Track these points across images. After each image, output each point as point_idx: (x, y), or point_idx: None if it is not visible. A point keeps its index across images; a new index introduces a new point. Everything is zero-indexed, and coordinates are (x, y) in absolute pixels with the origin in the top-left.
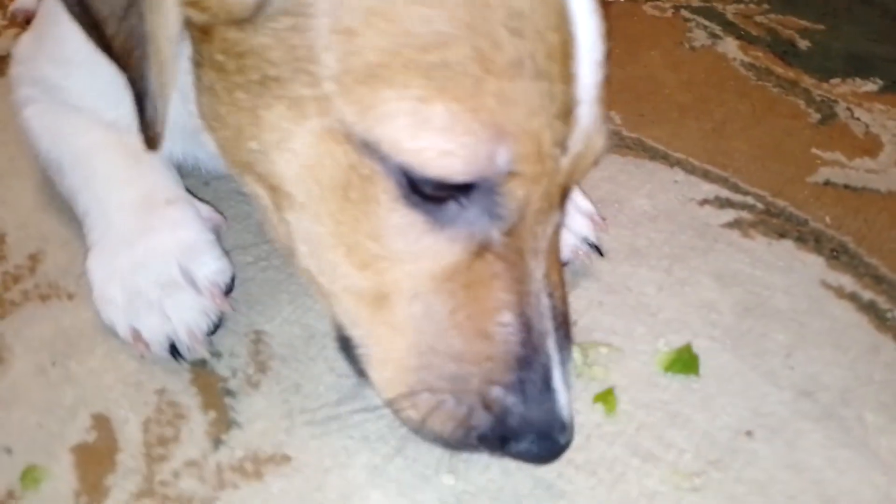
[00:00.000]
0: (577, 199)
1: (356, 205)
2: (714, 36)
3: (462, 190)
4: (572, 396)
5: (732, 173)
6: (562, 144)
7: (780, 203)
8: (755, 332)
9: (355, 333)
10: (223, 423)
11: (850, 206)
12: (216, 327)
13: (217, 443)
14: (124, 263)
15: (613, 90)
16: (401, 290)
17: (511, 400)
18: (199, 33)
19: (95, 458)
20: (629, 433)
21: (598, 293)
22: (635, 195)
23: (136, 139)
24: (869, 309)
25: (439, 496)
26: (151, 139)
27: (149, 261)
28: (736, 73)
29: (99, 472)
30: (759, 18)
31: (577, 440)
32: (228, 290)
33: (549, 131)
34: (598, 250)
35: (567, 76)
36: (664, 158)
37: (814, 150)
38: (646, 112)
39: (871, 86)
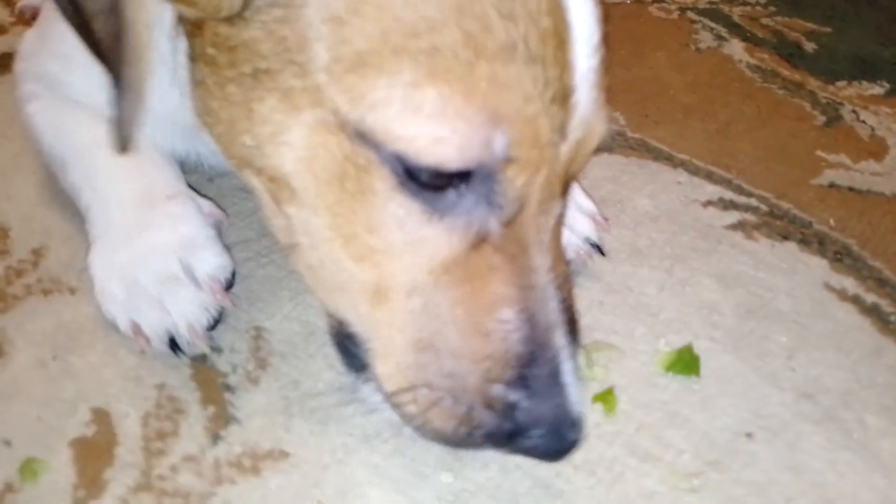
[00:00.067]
0: (579, 199)
1: (353, 196)
2: (720, 38)
3: (459, 177)
4: (583, 391)
5: (736, 175)
6: (560, 131)
7: (784, 205)
8: (757, 333)
9: (358, 328)
10: (222, 419)
11: (855, 209)
12: (216, 323)
13: (216, 438)
14: (125, 258)
15: (618, 91)
16: (399, 283)
17: (516, 395)
18: (192, 28)
19: (94, 452)
20: (628, 433)
21: (598, 293)
22: (638, 195)
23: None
24: (872, 312)
25: (437, 494)
26: (123, 140)
27: (149, 256)
28: (741, 75)
29: (97, 466)
30: (765, 20)
31: None
32: (229, 286)
33: (545, 117)
34: (599, 250)
35: (562, 61)
36: (668, 159)
37: (819, 153)
38: (650, 113)
39: (877, 89)
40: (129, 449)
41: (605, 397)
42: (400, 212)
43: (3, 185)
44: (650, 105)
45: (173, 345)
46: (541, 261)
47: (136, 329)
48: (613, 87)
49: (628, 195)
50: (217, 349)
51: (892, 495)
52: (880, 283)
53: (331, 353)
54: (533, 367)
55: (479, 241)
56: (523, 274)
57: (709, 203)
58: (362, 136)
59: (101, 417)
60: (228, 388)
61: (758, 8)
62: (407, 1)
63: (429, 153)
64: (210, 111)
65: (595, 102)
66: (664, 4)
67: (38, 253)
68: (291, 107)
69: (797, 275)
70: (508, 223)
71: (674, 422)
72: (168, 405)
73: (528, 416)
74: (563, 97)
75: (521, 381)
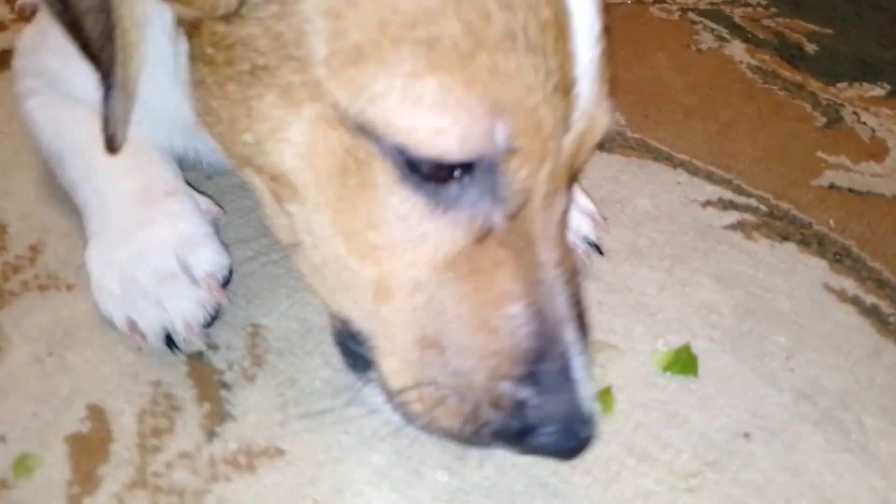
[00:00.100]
0: (579, 198)
1: (354, 191)
2: (721, 39)
3: (462, 170)
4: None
5: (736, 175)
6: (563, 122)
7: (784, 206)
8: (756, 333)
9: (362, 326)
10: (218, 416)
11: (855, 210)
12: (213, 320)
13: (211, 435)
14: (122, 255)
15: (619, 91)
16: (401, 280)
17: (525, 392)
18: (190, 28)
19: (89, 448)
20: (625, 433)
21: (597, 292)
22: (637, 195)
23: (136, 131)
24: (871, 313)
25: (433, 493)
26: (111, 139)
27: (147, 252)
28: (742, 76)
29: (92, 462)
30: (766, 22)
31: None
32: (226, 283)
33: (548, 107)
34: (598, 249)
35: (562, 51)
36: (668, 159)
37: (819, 154)
38: (651, 113)
39: (878, 90)
40: (124, 445)
41: (603, 397)
42: (402, 206)
43: (2, 182)
44: (651, 105)
45: (170, 342)
46: (548, 255)
47: (133, 326)
48: (614, 86)
49: (628, 195)
50: (213, 346)
51: (890, 496)
52: (880, 284)
53: (328, 351)
54: (542, 363)
55: (484, 235)
56: (530, 269)
57: (708, 203)
58: (363, 130)
59: (97, 414)
60: (224, 385)
61: (759, 9)
62: None
63: (430, 145)
64: (210, 111)
65: (598, 94)
66: (665, 5)
67: (35, 249)
68: (291, 102)
69: (796, 275)
70: (513, 217)
71: (672, 422)
72: (164, 402)
73: (538, 413)
74: (566, 88)
75: (531, 377)
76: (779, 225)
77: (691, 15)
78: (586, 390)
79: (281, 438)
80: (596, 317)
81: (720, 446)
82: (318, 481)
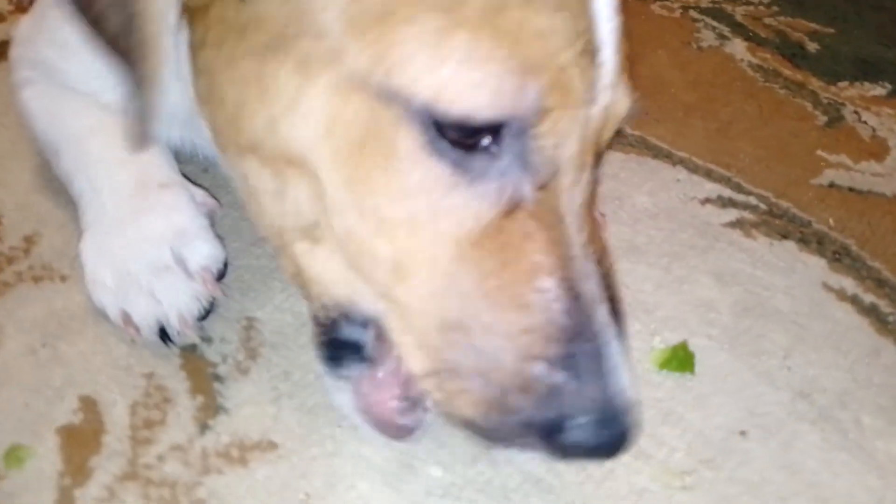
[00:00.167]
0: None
1: (374, 162)
2: (722, 37)
3: (491, 132)
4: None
5: (736, 173)
6: (590, 89)
7: (784, 204)
8: (753, 332)
9: (377, 307)
10: (210, 409)
11: (855, 209)
12: (207, 313)
13: (203, 428)
14: (116, 246)
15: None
16: (420, 259)
17: (559, 377)
18: (196, 14)
19: (81, 440)
20: None
21: None
22: (636, 192)
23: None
24: (870, 312)
25: (426, 487)
26: (141, 135)
27: (141, 244)
28: (743, 74)
29: (84, 454)
30: (768, 20)
31: None
32: (221, 276)
33: (576, 69)
34: None
35: (587, 14)
36: (667, 157)
37: (819, 153)
38: (650, 110)
39: (879, 90)
40: (116, 437)
41: None
42: (426, 176)
43: None
44: (650, 103)
45: (163, 335)
46: (575, 232)
47: (127, 318)
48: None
49: (627, 192)
50: (207, 339)
51: (887, 496)
52: (879, 283)
53: None
54: (577, 344)
55: (513, 207)
56: (561, 244)
57: (707, 201)
58: (387, 93)
59: (89, 405)
60: (218, 377)
61: (761, 8)
62: None
63: (461, 101)
64: (215, 96)
65: (620, 67)
66: (666, 3)
67: (30, 240)
68: (309, 73)
69: (795, 274)
70: (543, 188)
71: (667, 419)
72: (156, 394)
73: (574, 400)
74: (591, 52)
75: (565, 359)
76: (778, 223)
77: (692, 13)
78: (625, 378)
79: (274, 432)
80: None
81: (716, 444)
82: (311, 475)
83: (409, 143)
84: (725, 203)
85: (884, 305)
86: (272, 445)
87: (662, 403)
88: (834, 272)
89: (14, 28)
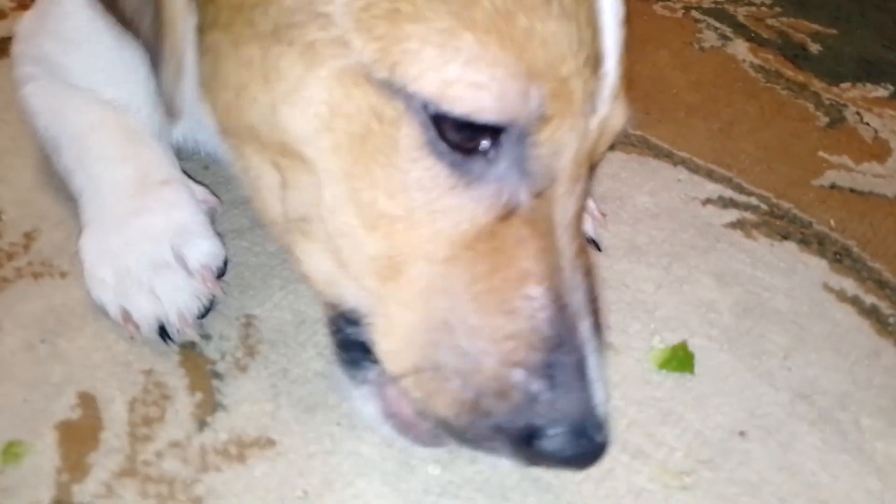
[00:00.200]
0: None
1: (373, 156)
2: (724, 37)
3: (490, 136)
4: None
5: (737, 174)
6: (591, 99)
7: (785, 205)
8: (753, 332)
9: (362, 302)
10: (209, 406)
11: (856, 210)
12: (207, 311)
13: (202, 425)
14: (116, 243)
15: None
16: (412, 257)
17: (537, 386)
18: None
19: (79, 436)
20: (620, 429)
21: None
22: (637, 192)
23: (133, 118)
24: (871, 313)
25: (424, 486)
26: (169, 105)
27: (141, 241)
28: (745, 75)
29: (82, 450)
30: (770, 21)
31: None
32: (221, 274)
33: (579, 79)
34: (596, 245)
35: (593, 25)
36: (668, 157)
37: (821, 154)
38: (652, 111)
39: (881, 91)
40: (114, 434)
41: None
42: (424, 175)
43: None
44: (652, 103)
45: (163, 332)
46: (567, 243)
47: (126, 315)
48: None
49: (628, 192)
50: (206, 336)
51: (886, 498)
52: (880, 284)
53: (321, 343)
54: (558, 354)
55: (508, 212)
56: (551, 253)
57: (708, 201)
58: (391, 87)
59: (88, 401)
60: (216, 375)
61: (763, 8)
62: None
63: (464, 100)
64: (219, 77)
65: (621, 80)
66: (669, 3)
67: (30, 236)
68: (313, 61)
69: (796, 275)
70: (538, 196)
71: (667, 419)
72: (155, 391)
73: (548, 411)
74: (595, 63)
75: (545, 368)
76: (779, 224)
77: (695, 13)
78: (602, 392)
79: (272, 429)
80: None
81: (715, 445)
82: (309, 472)
83: (409, 140)
84: (726, 203)
85: (885, 307)
86: (270, 443)
87: (662, 403)
88: (835, 273)
89: (16, 24)
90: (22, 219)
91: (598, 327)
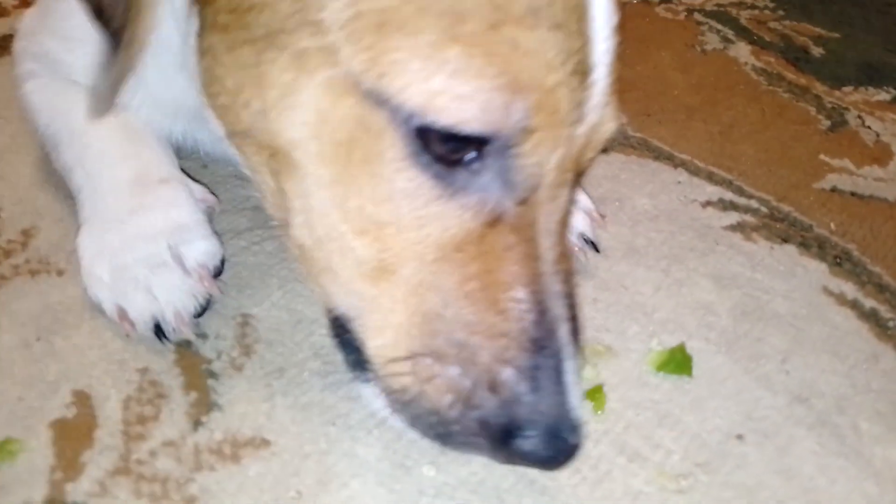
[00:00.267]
0: (576, 195)
1: (360, 165)
2: (726, 40)
3: (474, 148)
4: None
5: (737, 176)
6: (578, 108)
7: (785, 208)
8: (752, 335)
9: (350, 305)
10: (204, 405)
11: (856, 214)
12: (203, 310)
13: (196, 424)
14: (113, 241)
15: (621, 89)
16: (403, 258)
17: (522, 387)
18: None
19: (73, 434)
20: (616, 431)
21: (592, 290)
22: (637, 194)
23: (133, 117)
24: (870, 317)
25: (419, 487)
26: (103, 102)
27: (138, 239)
28: (747, 78)
29: (76, 448)
30: (772, 24)
31: None
32: (218, 273)
33: (566, 89)
34: (594, 247)
35: (583, 34)
36: (668, 159)
37: (822, 157)
38: (653, 112)
39: (883, 95)
40: (108, 432)
41: (595, 395)
42: (410, 185)
43: None
44: (653, 104)
45: (158, 330)
46: (547, 250)
47: (122, 313)
48: (617, 85)
49: (627, 193)
50: (203, 335)
51: (884, 502)
52: (880, 288)
53: (317, 343)
54: (541, 357)
55: (495, 219)
56: (534, 259)
57: (708, 203)
58: (377, 98)
59: (83, 400)
60: (212, 374)
61: (766, 12)
62: None
63: (449, 112)
64: (216, 79)
65: (611, 88)
66: (671, 5)
67: (27, 233)
68: (303, 68)
69: (795, 278)
70: (522, 203)
71: (664, 422)
72: (150, 389)
73: (528, 413)
74: (584, 72)
75: (531, 370)
76: (779, 227)
77: (697, 16)
78: (576, 396)
79: (267, 429)
80: (590, 315)
81: (712, 448)
82: (304, 473)
83: (394, 151)
84: (726, 206)
85: (884, 311)
86: (265, 443)
87: (659, 406)
88: (834, 276)
89: (18, 22)
90: (20, 216)
91: (575, 332)
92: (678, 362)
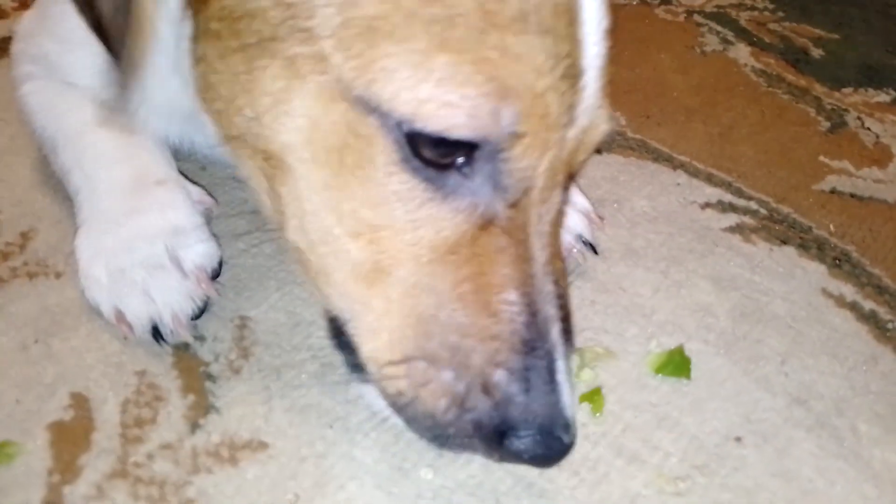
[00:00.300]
0: (575, 196)
1: (352, 169)
2: (726, 41)
3: (464, 153)
4: (574, 394)
5: (737, 178)
6: (569, 112)
7: (784, 209)
8: (751, 337)
9: (345, 306)
10: (202, 408)
11: (856, 215)
12: (201, 312)
13: (194, 427)
14: (111, 243)
15: (620, 91)
16: (398, 260)
17: (514, 388)
18: (197, 4)
19: (71, 437)
20: (615, 434)
21: (591, 292)
22: (635, 196)
23: (130, 119)
24: (869, 319)
25: (417, 490)
26: (118, 114)
27: (135, 242)
28: (746, 79)
29: (73, 451)
30: (772, 26)
31: None
32: (216, 275)
33: (555, 93)
34: (592, 249)
35: (573, 38)
36: (667, 160)
37: (821, 158)
38: (652, 114)
39: (883, 96)
40: (106, 435)
41: (593, 397)
42: (402, 188)
43: None
44: (652, 106)
45: (156, 333)
46: (539, 251)
47: (120, 316)
48: (616, 86)
49: (626, 195)
50: (200, 338)
51: None
52: (879, 290)
53: (315, 345)
54: (533, 358)
55: (486, 222)
56: (525, 261)
57: (707, 205)
58: (367, 104)
59: (80, 402)
60: (210, 376)
61: (766, 13)
62: None
63: (437, 119)
64: (210, 87)
65: (602, 91)
66: (671, 7)
67: (26, 236)
68: (295, 75)
69: (794, 279)
70: (513, 206)
71: (662, 424)
72: (148, 392)
73: (521, 413)
74: (573, 76)
75: (523, 371)
76: (778, 228)
77: (697, 17)
78: (568, 395)
79: (264, 432)
80: (589, 317)
81: (710, 450)
82: (301, 475)
83: (385, 156)
84: (725, 208)
85: (883, 312)
86: (262, 445)
87: (658, 408)
88: (833, 278)
89: (17, 24)
90: (19, 218)
91: (567, 332)
92: (677, 364)
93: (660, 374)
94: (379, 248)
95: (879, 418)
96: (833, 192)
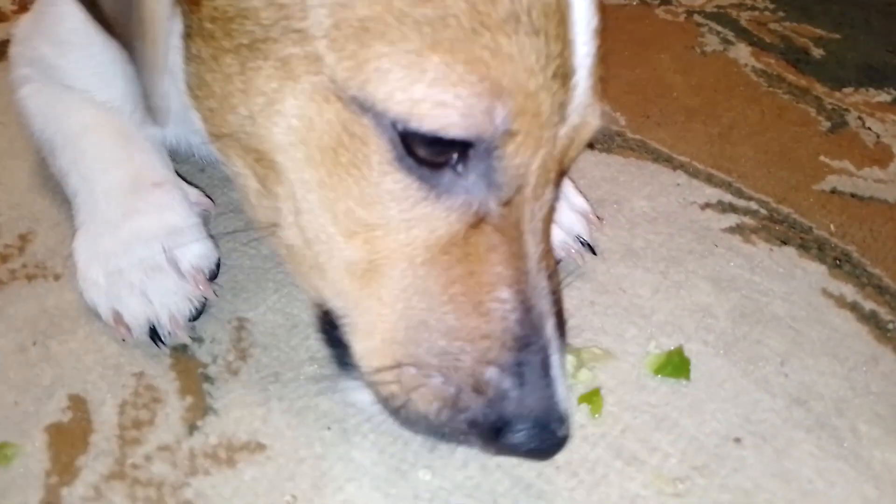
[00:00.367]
0: (572, 197)
1: (347, 169)
2: (726, 41)
3: (458, 151)
4: (569, 388)
5: (737, 178)
6: (560, 111)
7: (785, 209)
8: (750, 338)
9: (338, 304)
10: (199, 409)
11: (856, 216)
12: (199, 313)
13: (192, 428)
14: (108, 245)
15: (620, 91)
16: (392, 259)
17: (507, 383)
18: (189, 5)
19: (69, 439)
20: (613, 435)
21: (590, 293)
22: (635, 196)
23: (127, 120)
24: (870, 319)
25: (414, 491)
26: (152, 111)
27: (133, 243)
28: (747, 79)
29: (71, 453)
30: (773, 26)
31: None
32: (213, 276)
33: (546, 92)
34: (591, 249)
35: (563, 38)
36: (667, 161)
37: (822, 158)
38: (652, 114)
39: (884, 96)
40: (104, 436)
41: (592, 398)
42: (396, 188)
43: None
44: (652, 106)
45: (154, 334)
46: (533, 248)
47: (118, 317)
48: (616, 87)
49: (626, 196)
50: (198, 339)
51: None
52: (879, 290)
53: (313, 347)
54: (527, 354)
55: (479, 220)
56: (519, 258)
57: (707, 205)
58: (361, 105)
59: (78, 404)
60: (208, 378)
61: (766, 13)
62: None
63: (432, 117)
64: (203, 85)
65: (593, 89)
66: (671, 7)
67: (25, 238)
68: (288, 75)
69: (794, 280)
70: (506, 204)
71: (661, 425)
72: (146, 394)
73: (514, 408)
74: (565, 75)
75: (516, 367)
76: (778, 229)
77: (697, 17)
78: (563, 389)
79: (262, 433)
80: (588, 317)
81: (710, 451)
82: (299, 477)
83: (379, 156)
84: (725, 208)
85: (884, 313)
86: (260, 447)
87: (657, 409)
88: (834, 278)
89: (15, 27)
90: (17, 221)
91: (560, 327)
92: (676, 365)
93: (659, 375)
94: (373, 247)
95: (880, 419)
96: (833, 192)
